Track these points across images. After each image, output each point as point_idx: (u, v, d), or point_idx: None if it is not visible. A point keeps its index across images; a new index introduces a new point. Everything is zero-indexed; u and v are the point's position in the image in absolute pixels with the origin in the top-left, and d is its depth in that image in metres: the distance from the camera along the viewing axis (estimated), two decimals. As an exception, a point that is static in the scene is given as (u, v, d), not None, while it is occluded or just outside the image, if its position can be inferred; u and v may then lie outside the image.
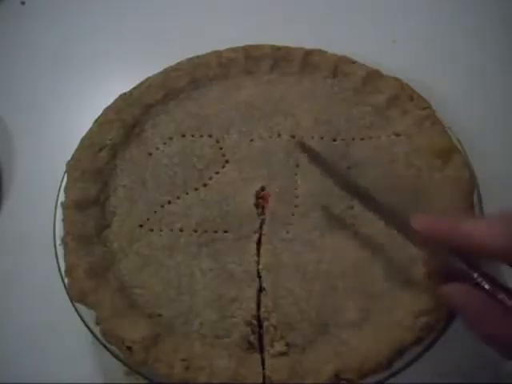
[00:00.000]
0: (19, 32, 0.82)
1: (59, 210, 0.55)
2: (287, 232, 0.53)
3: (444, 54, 0.74)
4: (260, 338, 0.48)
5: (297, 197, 0.55)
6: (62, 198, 0.55)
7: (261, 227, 0.53)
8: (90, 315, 0.50)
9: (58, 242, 0.53)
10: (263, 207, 0.55)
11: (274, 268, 0.51)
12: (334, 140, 0.59)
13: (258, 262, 0.51)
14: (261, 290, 0.50)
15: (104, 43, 0.78)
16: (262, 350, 0.47)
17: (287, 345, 0.46)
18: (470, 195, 0.53)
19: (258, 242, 0.52)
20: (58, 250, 0.53)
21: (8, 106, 0.73)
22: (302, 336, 0.47)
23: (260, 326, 0.48)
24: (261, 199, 0.55)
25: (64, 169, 0.57)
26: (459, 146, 0.57)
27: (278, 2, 0.81)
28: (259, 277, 0.50)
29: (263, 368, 0.45)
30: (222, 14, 0.80)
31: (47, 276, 0.55)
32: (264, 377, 0.45)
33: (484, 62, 0.72)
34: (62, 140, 0.62)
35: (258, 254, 0.52)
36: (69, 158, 0.57)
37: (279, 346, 0.46)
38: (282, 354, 0.46)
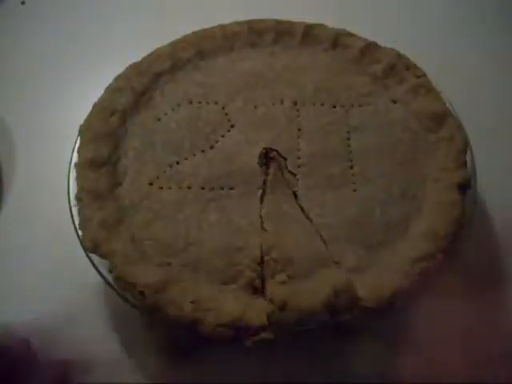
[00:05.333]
0: (19, 32, 0.82)
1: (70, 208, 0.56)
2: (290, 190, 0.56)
3: (444, 54, 0.76)
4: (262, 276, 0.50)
5: (299, 158, 0.58)
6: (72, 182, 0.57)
7: (264, 183, 0.56)
8: (103, 265, 0.52)
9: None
10: (268, 166, 0.57)
11: (276, 216, 0.53)
12: (334, 107, 0.61)
13: (261, 213, 0.54)
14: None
15: (105, 43, 0.79)
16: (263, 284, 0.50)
17: (288, 277, 0.49)
18: (463, 154, 0.56)
19: (262, 197, 0.55)
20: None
21: (8, 106, 0.74)
22: (302, 269, 0.49)
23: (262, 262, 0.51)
24: (267, 158, 0.58)
25: (66, 171, 0.58)
26: (452, 111, 0.60)
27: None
28: (263, 228, 0.53)
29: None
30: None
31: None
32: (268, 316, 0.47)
33: (484, 62, 0.75)
34: (62, 141, 0.62)
35: (262, 207, 0.54)
36: (69, 158, 0.59)
37: (280, 278, 0.49)
38: (283, 282, 0.49)
